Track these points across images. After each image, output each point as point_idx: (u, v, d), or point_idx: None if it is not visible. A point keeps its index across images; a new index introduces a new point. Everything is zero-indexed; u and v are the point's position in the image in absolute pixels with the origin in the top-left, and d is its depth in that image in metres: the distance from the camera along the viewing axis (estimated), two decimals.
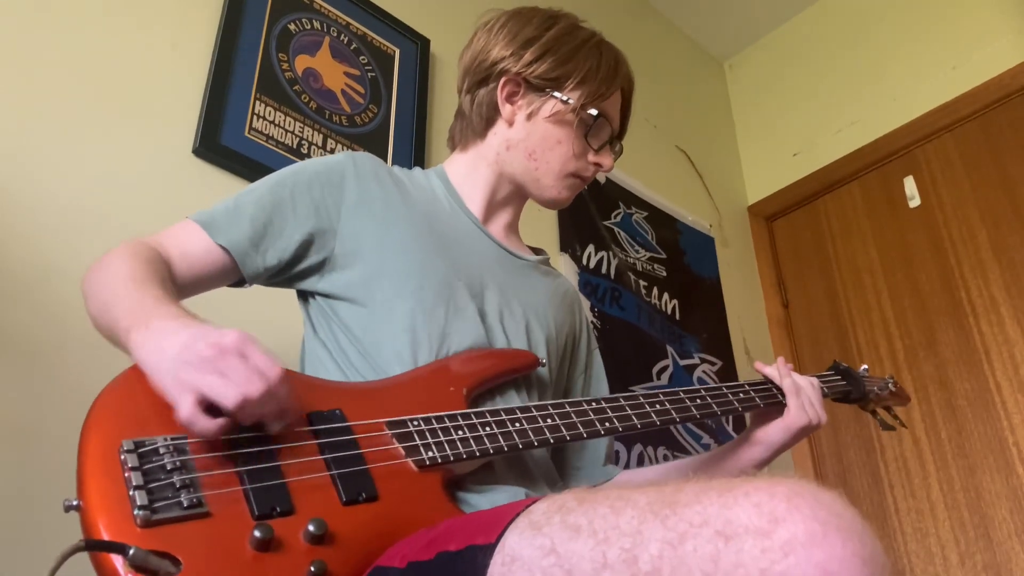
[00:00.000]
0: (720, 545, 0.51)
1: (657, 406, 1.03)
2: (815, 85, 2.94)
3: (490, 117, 1.16)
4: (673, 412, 1.03)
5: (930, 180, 2.54)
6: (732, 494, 0.54)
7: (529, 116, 1.12)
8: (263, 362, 0.71)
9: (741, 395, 1.12)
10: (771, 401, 1.13)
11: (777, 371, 1.15)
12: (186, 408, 0.69)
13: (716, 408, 1.07)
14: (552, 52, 1.12)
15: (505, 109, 1.14)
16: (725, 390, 1.12)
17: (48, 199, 1.31)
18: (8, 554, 1.07)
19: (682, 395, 1.07)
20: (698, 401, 1.07)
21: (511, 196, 1.17)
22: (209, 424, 0.69)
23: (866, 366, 1.36)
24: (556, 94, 1.11)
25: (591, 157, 1.14)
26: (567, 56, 1.12)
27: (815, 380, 1.16)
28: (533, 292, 1.13)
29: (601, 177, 2.38)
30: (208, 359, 0.70)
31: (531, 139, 1.12)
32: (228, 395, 0.68)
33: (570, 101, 1.10)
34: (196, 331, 0.73)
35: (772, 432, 1.11)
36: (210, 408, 0.70)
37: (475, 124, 1.17)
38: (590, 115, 1.11)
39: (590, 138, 1.12)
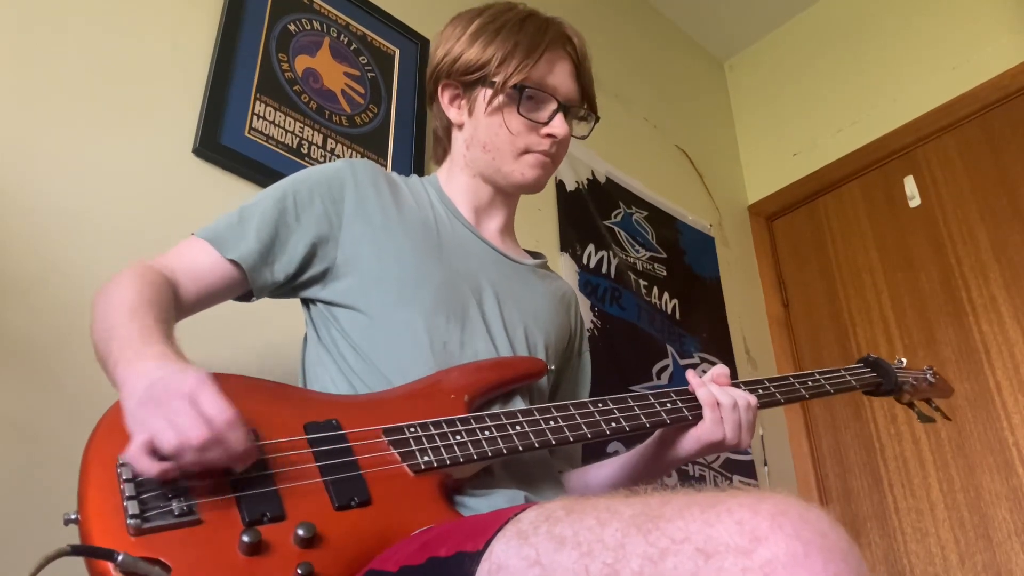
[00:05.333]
0: (700, 563, 0.51)
1: (668, 404, 1.02)
2: (815, 85, 2.94)
3: (446, 126, 1.18)
4: (685, 410, 1.02)
5: (930, 180, 2.54)
6: (715, 510, 0.53)
7: (471, 112, 1.13)
8: (212, 408, 0.70)
9: (759, 391, 1.11)
10: (769, 402, 1.11)
11: (701, 380, 1.05)
12: (131, 447, 0.69)
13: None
14: (475, 42, 1.12)
15: (451, 112, 1.15)
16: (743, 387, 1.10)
17: (48, 199, 1.31)
18: (8, 553, 1.07)
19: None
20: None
21: (493, 197, 1.17)
22: (150, 466, 0.68)
23: (903, 358, 1.34)
24: (484, 81, 1.10)
25: (543, 130, 1.10)
26: (488, 41, 1.11)
27: (752, 399, 1.04)
28: (532, 297, 1.13)
29: (602, 176, 2.38)
30: (160, 403, 0.70)
31: (479, 133, 1.12)
32: (167, 440, 0.68)
33: (496, 83, 1.09)
34: (163, 374, 0.73)
35: (686, 441, 1.04)
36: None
37: (440, 136, 1.19)
38: (515, 90, 1.09)
39: (528, 112, 1.09)
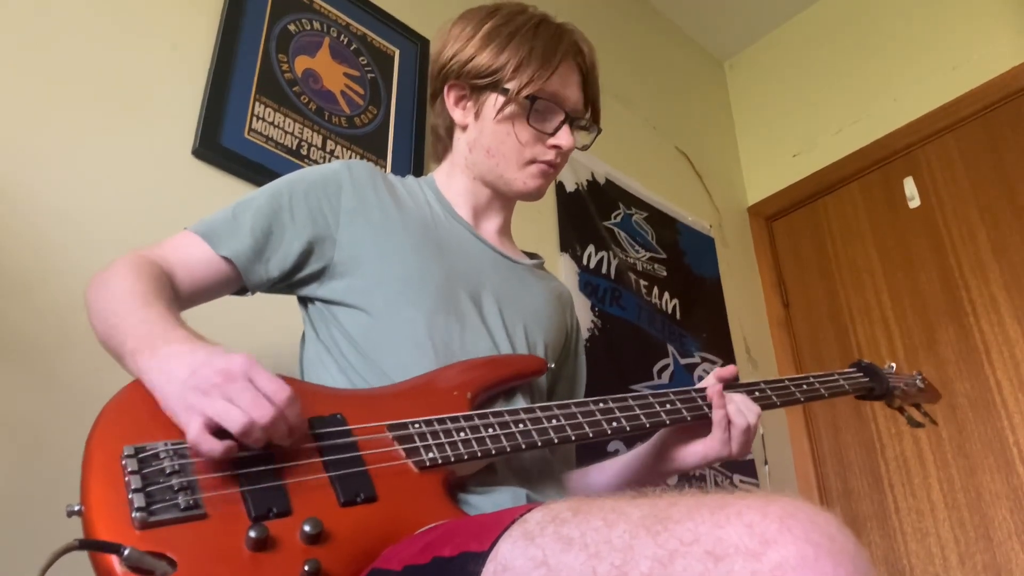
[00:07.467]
0: (710, 565, 0.51)
1: (668, 405, 1.02)
2: (815, 85, 2.94)
3: (448, 125, 1.16)
4: (684, 411, 1.03)
5: (930, 180, 2.54)
6: (725, 512, 0.53)
7: (477, 115, 1.12)
8: (271, 386, 0.72)
9: (756, 394, 1.10)
10: (766, 404, 1.11)
11: (721, 399, 1.04)
12: (194, 430, 0.69)
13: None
14: (487, 45, 1.10)
15: (456, 114, 1.14)
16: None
17: (48, 200, 1.31)
18: (8, 553, 1.07)
19: (693, 394, 1.06)
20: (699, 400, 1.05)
21: (492, 199, 1.17)
22: (215, 445, 0.69)
23: (893, 364, 1.35)
24: (496, 87, 1.09)
25: (549, 141, 1.10)
26: (501, 46, 1.10)
27: (758, 411, 1.05)
28: (531, 296, 1.13)
29: (601, 178, 2.38)
30: (216, 385, 0.71)
31: (484, 137, 1.11)
32: (235, 420, 0.69)
33: (509, 90, 1.08)
34: (204, 356, 0.74)
35: (688, 455, 1.05)
36: (219, 431, 0.70)
37: (441, 135, 1.18)
38: (527, 100, 1.08)
39: (536, 123, 1.09)
